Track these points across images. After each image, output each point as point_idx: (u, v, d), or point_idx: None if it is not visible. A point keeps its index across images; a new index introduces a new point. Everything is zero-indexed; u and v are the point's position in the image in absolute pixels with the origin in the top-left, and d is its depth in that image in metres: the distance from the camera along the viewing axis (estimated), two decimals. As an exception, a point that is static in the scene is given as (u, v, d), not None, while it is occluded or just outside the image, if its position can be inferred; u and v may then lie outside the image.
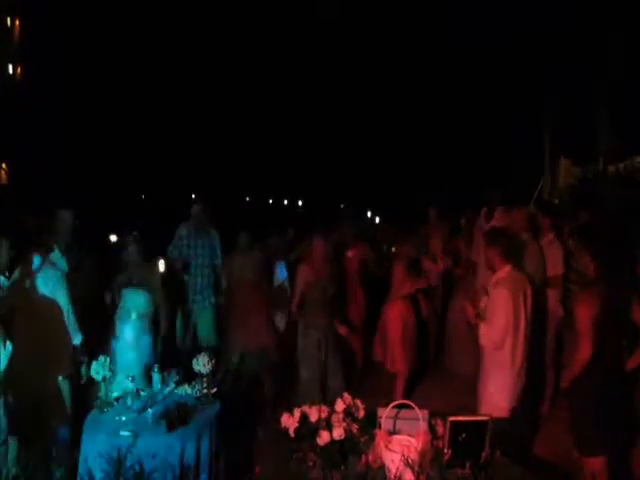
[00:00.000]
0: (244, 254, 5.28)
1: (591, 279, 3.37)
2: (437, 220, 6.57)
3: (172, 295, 5.13)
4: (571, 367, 3.35)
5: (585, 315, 3.20)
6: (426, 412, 2.91)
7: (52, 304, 3.56)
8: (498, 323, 3.55)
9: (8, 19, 31.34)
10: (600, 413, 3.24)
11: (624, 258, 3.70)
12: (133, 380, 3.47)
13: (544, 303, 4.68)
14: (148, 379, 3.78)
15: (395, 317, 5.11)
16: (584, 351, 3.20)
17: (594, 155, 14.89)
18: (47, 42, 25.66)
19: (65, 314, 3.59)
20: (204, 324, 5.63)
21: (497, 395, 3.63)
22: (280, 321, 5.49)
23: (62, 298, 3.59)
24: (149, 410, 3.24)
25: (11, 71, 31.26)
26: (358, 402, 3.04)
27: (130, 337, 4.24)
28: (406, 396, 5.18)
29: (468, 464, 2.71)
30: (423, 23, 18.31)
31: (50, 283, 3.57)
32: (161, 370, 3.71)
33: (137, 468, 2.55)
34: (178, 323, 5.54)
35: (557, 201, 13.34)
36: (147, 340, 4.27)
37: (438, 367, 6.04)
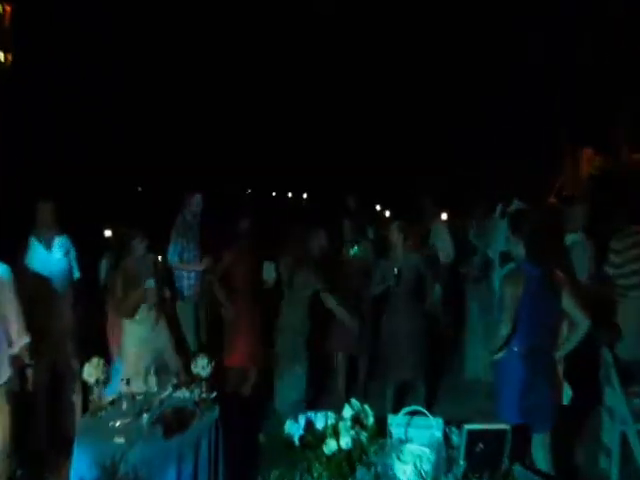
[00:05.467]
0: None
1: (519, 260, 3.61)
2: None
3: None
4: (494, 340, 3.59)
5: (509, 293, 3.48)
6: (440, 420, 2.86)
7: None
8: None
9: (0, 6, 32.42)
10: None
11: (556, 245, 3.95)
12: (128, 383, 3.42)
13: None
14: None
15: None
16: (507, 326, 3.47)
17: (615, 143, 14.86)
18: (38, 30, 25.86)
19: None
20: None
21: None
22: None
23: None
24: (144, 415, 3.19)
25: (2, 59, 32.27)
26: (367, 408, 2.99)
27: (137, 333, 4.22)
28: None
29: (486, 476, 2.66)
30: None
31: None
32: (158, 372, 3.67)
33: (131, 477, 2.52)
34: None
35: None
36: (155, 336, 4.23)
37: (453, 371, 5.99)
